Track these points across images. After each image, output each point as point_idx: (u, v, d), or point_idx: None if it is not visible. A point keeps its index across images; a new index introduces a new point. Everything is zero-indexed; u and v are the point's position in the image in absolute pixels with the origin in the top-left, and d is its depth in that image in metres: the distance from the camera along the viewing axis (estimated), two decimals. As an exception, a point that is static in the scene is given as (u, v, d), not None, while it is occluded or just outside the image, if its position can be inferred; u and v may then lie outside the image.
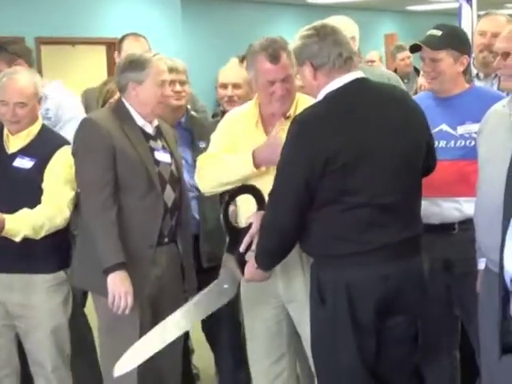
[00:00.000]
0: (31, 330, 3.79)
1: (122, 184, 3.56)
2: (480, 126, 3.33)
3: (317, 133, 2.99)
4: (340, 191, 2.98)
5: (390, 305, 3.06)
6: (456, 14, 6.20)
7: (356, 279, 3.02)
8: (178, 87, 4.29)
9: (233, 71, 4.44)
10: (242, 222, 3.43)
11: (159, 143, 3.73)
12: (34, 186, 3.68)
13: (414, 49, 3.72)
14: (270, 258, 3.19)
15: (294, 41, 3.19)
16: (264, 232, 3.13)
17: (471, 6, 5.98)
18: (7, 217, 3.51)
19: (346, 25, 4.53)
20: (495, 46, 3.23)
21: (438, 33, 3.67)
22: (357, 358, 3.04)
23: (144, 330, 3.47)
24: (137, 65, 3.64)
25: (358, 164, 2.97)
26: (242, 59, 4.98)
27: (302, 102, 3.50)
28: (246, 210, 3.43)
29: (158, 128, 3.77)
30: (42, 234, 3.62)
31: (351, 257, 3.02)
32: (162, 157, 3.69)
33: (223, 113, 4.40)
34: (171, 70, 4.33)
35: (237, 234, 3.29)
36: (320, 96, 3.11)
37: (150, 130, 3.71)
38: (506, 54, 3.09)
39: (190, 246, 3.87)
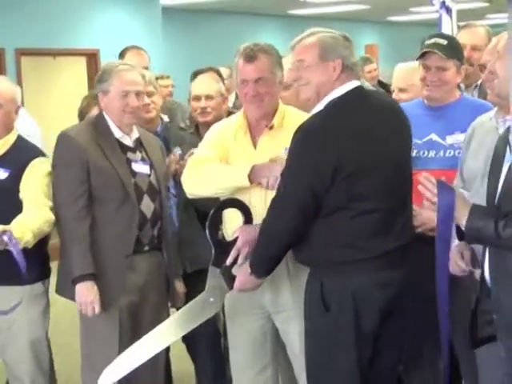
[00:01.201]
0: (9, 342, 3.75)
1: (96, 196, 3.66)
2: (466, 138, 3.35)
3: (323, 142, 3.00)
4: (349, 198, 3.00)
5: (390, 312, 3.08)
6: (436, 24, 6.24)
7: (362, 286, 3.04)
8: (146, 100, 4.31)
9: (205, 83, 4.48)
10: (229, 235, 3.42)
11: (138, 155, 3.78)
12: (9, 196, 3.65)
13: (421, 56, 3.71)
14: (266, 265, 3.20)
15: (315, 36, 3.17)
16: (263, 238, 3.15)
17: (451, 17, 6.02)
18: (11, 226, 3.46)
19: None
20: (483, 59, 3.25)
21: (444, 42, 3.68)
22: (355, 365, 3.06)
23: (124, 336, 3.63)
24: (103, 75, 3.75)
25: (366, 171, 3.00)
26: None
27: (290, 114, 3.52)
28: (232, 224, 3.42)
29: (138, 140, 3.82)
30: (37, 238, 3.59)
31: (357, 264, 3.03)
32: (140, 168, 3.75)
33: (196, 126, 4.47)
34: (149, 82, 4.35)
35: (223, 247, 3.30)
36: (323, 102, 3.12)
37: (128, 141, 3.77)
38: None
39: (171, 254, 3.90)
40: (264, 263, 3.20)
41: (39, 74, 11.27)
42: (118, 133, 3.74)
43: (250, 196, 3.39)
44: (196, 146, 3.80)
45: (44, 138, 4.81)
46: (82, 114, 4.44)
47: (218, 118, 4.17)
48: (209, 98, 4.38)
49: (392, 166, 3.09)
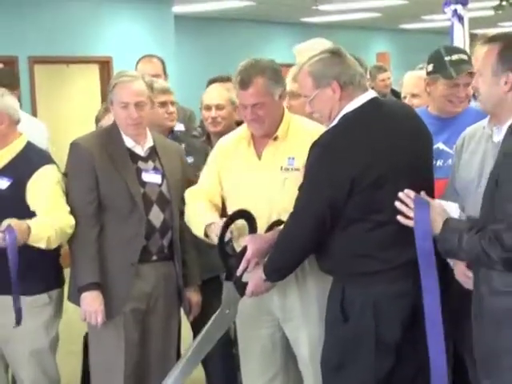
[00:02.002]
0: (11, 351, 3.77)
1: (105, 204, 3.69)
2: (456, 148, 3.37)
3: (340, 155, 3.06)
4: (367, 210, 3.05)
5: (409, 322, 3.09)
6: (448, 32, 6.24)
7: (383, 296, 3.07)
8: (170, 108, 4.38)
9: (216, 93, 4.48)
10: (239, 246, 3.44)
11: (150, 164, 3.80)
12: (10, 206, 3.64)
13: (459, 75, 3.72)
14: (281, 272, 3.28)
15: (306, 65, 3.21)
16: (279, 247, 3.21)
17: (463, 25, 6.02)
18: (30, 222, 3.48)
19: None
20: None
21: (466, 57, 3.71)
22: (373, 374, 3.09)
23: (130, 344, 3.69)
24: (110, 85, 3.80)
25: (383, 182, 3.04)
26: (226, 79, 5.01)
27: (295, 123, 3.54)
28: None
29: (152, 148, 3.83)
30: (60, 239, 3.61)
31: (378, 274, 3.07)
32: (150, 178, 3.76)
33: (208, 135, 4.48)
34: (165, 91, 4.40)
35: (233, 260, 3.34)
36: (337, 117, 3.16)
37: (139, 151, 3.80)
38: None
39: (180, 265, 3.88)
40: (279, 270, 3.26)
41: (52, 82, 11.32)
42: (129, 142, 3.77)
43: (255, 206, 3.41)
44: (207, 154, 3.82)
45: (57, 145, 4.83)
46: (97, 121, 4.49)
47: (228, 127, 4.18)
48: (219, 107, 4.36)
49: (409, 176, 3.10)
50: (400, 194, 2.91)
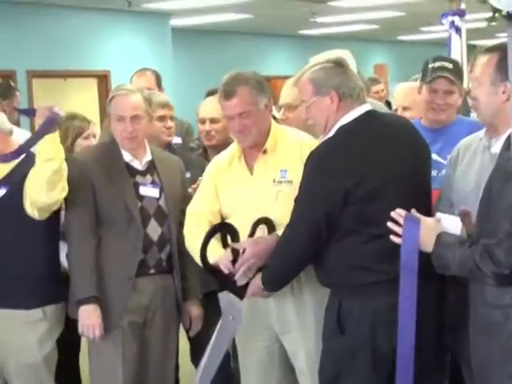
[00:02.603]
0: (4, 364, 3.75)
1: (102, 218, 3.70)
2: (451, 159, 3.37)
3: (335, 166, 3.06)
4: (361, 222, 3.04)
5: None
6: (446, 43, 6.24)
7: (381, 308, 3.06)
8: (169, 123, 4.39)
9: (211, 106, 4.39)
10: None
11: (148, 178, 3.81)
12: (8, 214, 3.64)
13: (434, 79, 3.73)
14: (277, 282, 3.29)
15: (308, 71, 3.22)
16: (276, 257, 3.22)
17: (460, 36, 6.02)
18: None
19: (349, 59, 4.62)
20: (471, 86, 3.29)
21: (450, 65, 3.73)
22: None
23: (128, 357, 3.69)
24: (108, 99, 3.82)
25: (378, 195, 3.04)
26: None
27: (283, 135, 3.54)
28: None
29: (151, 162, 3.84)
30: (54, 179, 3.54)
31: (375, 286, 3.05)
32: (148, 192, 3.77)
33: (204, 148, 4.47)
34: (164, 105, 4.40)
35: (220, 272, 3.31)
36: (333, 130, 3.17)
37: (137, 165, 3.80)
38: None
39: (179, 278, 3.86)
40: (275, 280, 3.28)
41: (50, 96, 11.30)
42: (127, 156, 3.79)
43: (250, 221, 3.40)
44: (204, 168, 3.81)
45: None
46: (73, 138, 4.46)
47: (223, 141, 4.13)
48: (214, 121, 4.31)
49: (405, 188, 3.10)
50: (392, 214, 2.92)
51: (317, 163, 3.10)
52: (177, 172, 3.94)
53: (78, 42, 10.66)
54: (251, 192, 3.47)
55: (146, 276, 3.73)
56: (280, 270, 3.25)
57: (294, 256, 3.18)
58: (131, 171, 3.78)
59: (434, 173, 3.63)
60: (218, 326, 3.35)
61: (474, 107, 3.11)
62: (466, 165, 3.27)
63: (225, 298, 3.34)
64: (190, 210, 3.63)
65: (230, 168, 3.57)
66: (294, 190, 3.26)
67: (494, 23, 2.32)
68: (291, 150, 3.48)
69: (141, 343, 3.77)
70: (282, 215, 3.29)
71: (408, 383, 2.98)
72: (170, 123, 4.41)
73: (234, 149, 3.60)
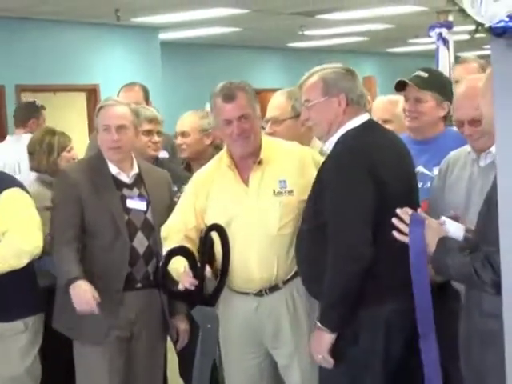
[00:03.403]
0: None
1: (90, 231, 3.70)
2: (440, 172, 3.38)
3: (368, 161, 3.06)
4: (379, 225, 3.02)
5: (412, 337, 3.05)
6: (434, 55, 6.28)
7: (394, 314, 3.05)
8: (155, 138, 4.42)
9: (183, 120, 4.56)
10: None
11: (135, 191, 3.81)
12: None
13: (401, 86, 3.76)
14: (343, 305, 3.07)
15: (319, 72, 3.23)
16: (335, 273, 3.04)
17: (448, 49, 6.06)
18: None
19: None
20: (456, 116, 3.30)
21: (425, 74, 3.74)
22: None
23: (114, 371, 3.68)
24: (96, 110, 3.84)
25: (395, 198, 3.03)
26: None
27: (274, 146, 3.53)
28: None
29: (138, 175, 3.84)
30: (25, 260, 3.59)
31: (388, 292, 3.04)
32: (135, 204, 3.77)
33: (188, 162, 4.54)
34: (151, 120, 4.44)
35: (181, 293, 3.26)
36: (337, 134, 3.17)
37: (124, 178, 3.81)
38: (473, 122, 3.16)
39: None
40: (339, 307, 3.09)
41: (39, 110, 11.30)
42: (114, 169, 3.79)
43: (250, 233, 3.40)
44: (185, 179, 3.83)
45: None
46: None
47: (196, 154, 4.31)
48: (184, 134, 4.44)
49: (406, 195, 3.15)
50: (398, 211, 2.90)
51: (350, 158, 3.07)
52: (164, 185, 3.94)
53: (66, 56, 10.65)
54: (249, 204, 3.44)
55: (133, 290, 3.73)
56: (342, 288, 3.05)
57: (361, 263, 3.01)
58: (118, 184, 3.78)
59: (419, 185, 3.65)
60: (200, 337, 3.32)
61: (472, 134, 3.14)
62: (455, 177, 3.29)
63: (198, 312, 3.30)
64: (167, 224, 3.59)
65: (221, 180, 3.52)
66: (295, 200, 3.30)
67: (476, 35, 2.32)
68: (288, 159, 3.47)
69: (127, 357, 3.76)
70: (282, 226, 3.33)
71: None
72: (157, 138, 4.42)
73: (222, 160, 3.55)
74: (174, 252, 3.28)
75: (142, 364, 3.80)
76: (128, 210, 3.74)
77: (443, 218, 2.96)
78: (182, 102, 10.80)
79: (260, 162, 3.47)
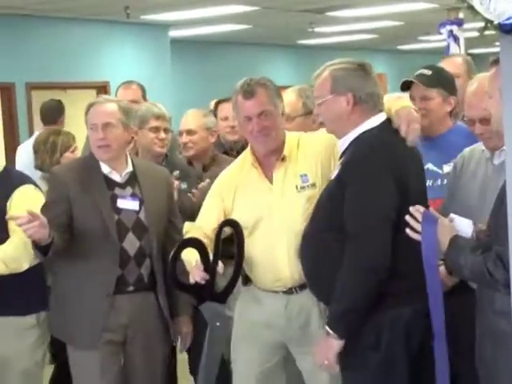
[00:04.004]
0: (2, 374, 3.74)
1: (80, 232, 3.62)
2: (456, 167, 3.36)
3: (391, 161, 3.04)
4: (399, 225, 2.98)
5: (428, 336, 3.04)
6: (444, 52, 6.26)
7: (413, 315, 3.02)
8: (162, 134, 4.38)
9: (187, 118, 4.54)
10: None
11: (128, 190, 3.71)
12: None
13: (406, 86, 3.75)
14: (356, 313, 3.01)
15: (330, 67, 3.19)
16: (350, 280, 3.00)
17: (459, 45, 6.04)
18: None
19: None
20: (467, 115, 3.29)
21: (429, 72, 3.73)
22: None
23: (108, 374, 3.62)
24: (85, 109, 3.77)
25: (414, 199, 3.02)
26: (216, 104, 5.09)
27: (294, 140, 3.48)
28: None
29: (132, 174, 3.75)
30: (11, 265, 3.60)
31: (406, 293, 3.01)
32: (127, 204, 3.68)
33: (189, 160, 4.53)
34: (158, 116, 4.40)
35: (193, 287, 3.22)
36: (353, 133, 3.13)
37: (116, 177, 3.72)
38: (484, 120, 3.14)
39: (164, 294, 3.74)
40: (351, 312, 3.04)
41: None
42: (105, 168, 3.70)
43: (276, 231, 3.37)
44: (200, 178, 3.80)
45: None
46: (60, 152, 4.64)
47: (202, 153, 4.28)
48: (190, 132, 4.43)
49: (423, 194, 3.16)
50: (411, 209, 2.89)
51: (373, 157, 3.04)
52: (162, 184, 3.83)
53: (76, 53, 10.67)
54: (274, 202, 3.40)
55: (124, 293, 3.63)
56: (357, 291, 2.99)
57: (377, 267, 2.96)
58: (110, 183, 3.69)
59: (429, 182, 3.63)
60: (207, 335, 3.30)
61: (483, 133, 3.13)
62: (470, 174, 3.27)
63: (207, 308, 3.28)
64: (190, 224, 3.57)
65: (246, 180, 3.47)
66: (318, 193, 3.25)
67: (488, 33, 2.31)
68: (308, 151, 3.43)
69: (124, 361, 3.70)
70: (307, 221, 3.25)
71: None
72: (163, 135, 4.39)
73: (245, 159, 3.53)
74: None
75: (140, 368, 3.72)
76: (118, 210, 3.65)
77: (452, 215, 2.96)
78: (192, 99, 10.81)
79: (283, 159, 3.42)
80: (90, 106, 3.73)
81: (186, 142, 4.45)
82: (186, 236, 3.44)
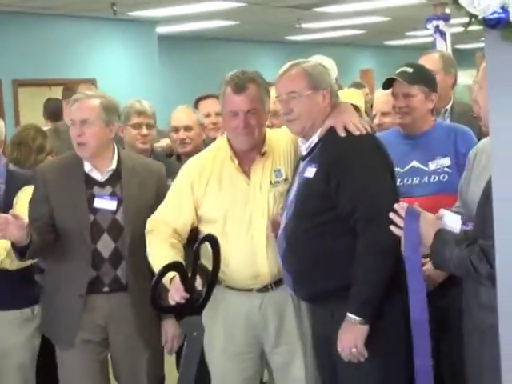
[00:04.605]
0: (1, 368, 3.76)
1: (58, 232, 3.58)
2: (470, 159, 3.36)
3: (385, 154, 3.17)
4: None
5: None
6: (431, 48, 6.26)
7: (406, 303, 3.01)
8: (144, 130, 4.38)
9: (183, 114, 4.53)
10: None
11: (107, 189, 3.62)
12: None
13: (388, 84, 3.76)
14: (380, 296, 3.00)
15: (302, 64, 3.20)
16: (372, 265, 3.01)
17: (445, 41, 6.05)
18: None
19: (331, 65, 4.87)
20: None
21: (410, 70, 3.75)
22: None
23: (88, 374, 3.61)
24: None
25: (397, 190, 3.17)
26: (197, 101, 5.07)
27: (272, 136, 3.44)
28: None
29: (115, 172, 3.66)
30: (29, 260, 3.62)
31: (401, 278, 2.98)
32: (103, 204, 3.58)
33: (178, 155, 4.52)
34: (139, 113, 4.39)
35: (171, 307, 3.19)
36: (319, 132, 3.17)
37: (96, 175, 3.63)
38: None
39: (142, 296, 3.53)
40: (377, 294, 3.03)
41: (36, 105, 11.29)
42: (87, 166, 3.62)
43: (252, 226, 3.34)
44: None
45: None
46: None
47: (196, 148, 4.20)
48: (187, 128, 4.44)
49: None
50: (395, 206, 2.89)
51: (370, 146, 3.13)
52: (151, 181, 3.69)
53: (63, 50, 10.64)
54: (251, 197, 3.35)
55: (99, 294, 3.58)
56: (383, 272, 3.00)
57: (390, 249, 2.96)
58: (89, 182, 3.60)
59: (416, 180, 3.65)
60: (185, 345, 3.32)
61: (476, 111, 3.11)
62: (481, 168, 3.26)
63: (185, 323, 3.30)
64: (154, 216, 3.43)
65: (220, 171, 3.39)
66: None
67: (474, 28, 2.31)
68: (281, 147, 3.40)
69: (104, 361, 3.69)
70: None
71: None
72: (145, 131, 4.38)
73: (218, 150, 3.44)
74: (166, 270, 3.14)
75: (123, 368, 3.69)
76: (95, 210, 3.56)
77: (442, 211, 2.96)
78: (179, 95, 10.78)
79: (264, 154, 3.38)
80: (75, 100, 3.65)
81: (183, 137, 4.44)
82: (152, 235, 3.36)
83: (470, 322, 2.84)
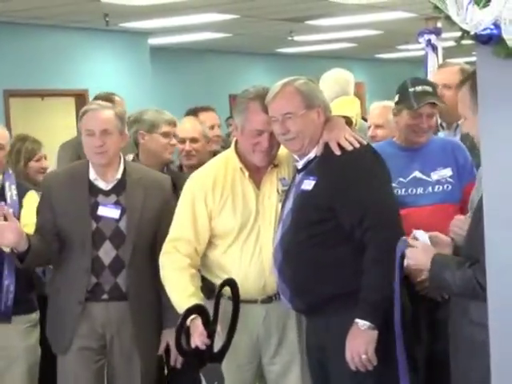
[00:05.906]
0: (7, 369, 3.78)
1: (61, 239, 3.65)
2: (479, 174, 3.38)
3: (380, 159, 3.24)
4: None
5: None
6: (423, 61, 6.28)
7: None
8: (174, 140, 4.35)
9: (190, 126, 4.52)
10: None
11: (112, 198, 3.67)
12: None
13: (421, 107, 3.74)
14: (389, 300, 2.93)
15: (293, 83, 3.20)
16: (382, 270, 3.00)
17: (437, 55, 6.07)
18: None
19: (350, 77, 5.18)
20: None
21: (430, 89, 3.75)
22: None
23: (82, 380, 3.63)
24: (80, 113, 3.78)
25: None
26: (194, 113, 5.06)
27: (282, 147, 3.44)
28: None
29: (120, 182, 3.71)
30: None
31: None
32: (107, 212, 3.64)
33: (181, 167, 4.52)
34: (170, 122, 4.35)
35: (193, 353, 3.18)
36: (315, 150, 3.20)
37: (101, 184, 3.69)
38: None
39: (145, 304, 3.68)
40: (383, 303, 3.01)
41: (28, 115, 11.28)
42: (92, 175, 3.69)
43: (262, 239, 3.35)
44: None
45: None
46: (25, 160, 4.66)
47: (201, 161, 4.13)
48: (193, 140, 4.42)
49: None
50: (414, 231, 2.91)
51: (372, 157, 3.19)
52: (156, 193, 3.73)
53: (55, 60, 10.63)
54: (261, 207, 3.37)
55: (99, 302, 3.62)
56: (389, 285, 2.93)
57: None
58: (94, 190, 3.67)
59: (420, 190, 3.69)
60: None
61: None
62: None
63: (206, 371, 3.20)
64: (172, 237, 3.40)
65: (231, 182, 3.38)
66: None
67: (465, 42, 2.32)
68: (285, 156, 3.42)
69: (101, 369, 3.71)
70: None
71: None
72: (174, 141, 4.36)
73: (227, 161, 3.43)
74: (189, 313, 3.15)
75: (119, 377, 3.71)
76: (98, 218, 3.62)
77: (414, 232, 2.93)
78: (172, 106, 10.79)
79: (276, 165, 3.41)
80: (86, 111, 3.71)
81: (189, 150, 4.41)
82: (176, 259, 3.34)
83: (457, 338, 2.83)
